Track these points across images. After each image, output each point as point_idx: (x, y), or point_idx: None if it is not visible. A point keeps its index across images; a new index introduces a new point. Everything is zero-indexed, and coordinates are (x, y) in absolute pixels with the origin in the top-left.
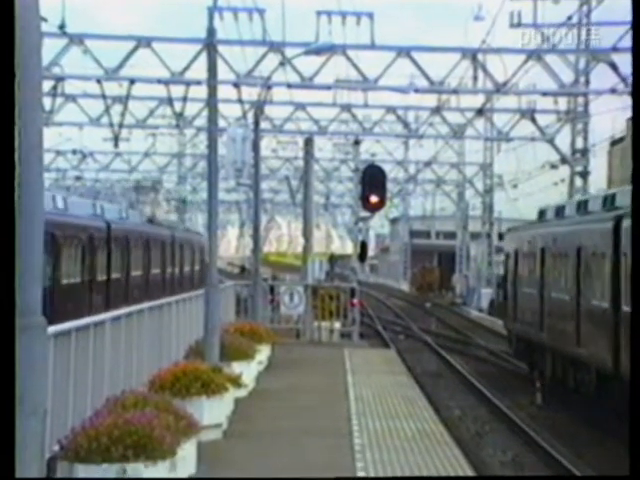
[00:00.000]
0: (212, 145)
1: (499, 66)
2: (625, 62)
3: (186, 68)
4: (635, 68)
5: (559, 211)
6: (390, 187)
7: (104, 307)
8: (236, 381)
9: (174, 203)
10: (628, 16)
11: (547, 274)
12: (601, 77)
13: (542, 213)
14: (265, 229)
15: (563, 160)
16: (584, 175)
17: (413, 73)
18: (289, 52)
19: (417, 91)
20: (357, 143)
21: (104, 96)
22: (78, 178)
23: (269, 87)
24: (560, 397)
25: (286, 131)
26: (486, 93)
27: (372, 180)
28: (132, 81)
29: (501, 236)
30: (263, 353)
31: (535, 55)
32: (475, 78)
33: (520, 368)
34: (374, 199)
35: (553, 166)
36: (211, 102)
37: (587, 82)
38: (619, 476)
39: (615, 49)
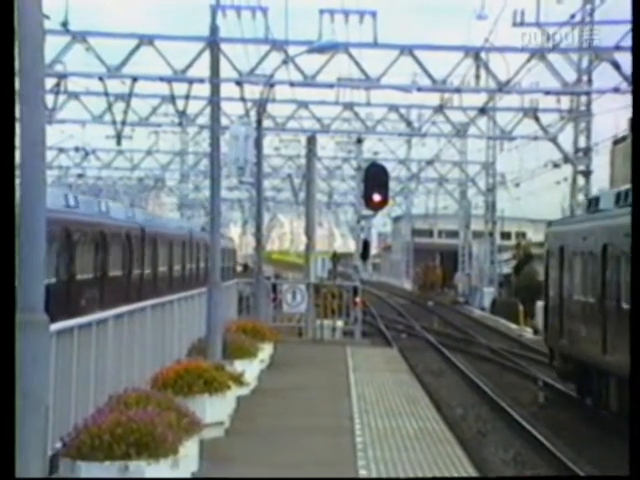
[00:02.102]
0: (214, 143)
1: (502, 65)
2: (628, 61)
3: (189, 66)
4: (635, 69)
5: (621, 197)
6: (392, 186)
7: (190, 287)
8: (238, 379)
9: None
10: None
11: (613, 278)
12: (604, 76)
13: (594, 202)
14: (267, 227)
15: (566, 159)
16: (587, 174)
17: (416, 72)
18: (292, 50)
19: (420, 90)
20: (360, 141)
21: (107, 94)
22: (80, 176)
23: (272, 85)
24: (562, 396)
25: (288, 129)
26: (489, 92)
27: (374, 179)
28: (135, 79)
29: (504, 235)
30: (265, 351)
31: (538, 54)
32: (478, 77)
33: (521, 366)
34: (376, 198)
35: (556, 165)
36: (214, 100)
37: (590, 81)
38: (619, 476)
39: (618, 48)
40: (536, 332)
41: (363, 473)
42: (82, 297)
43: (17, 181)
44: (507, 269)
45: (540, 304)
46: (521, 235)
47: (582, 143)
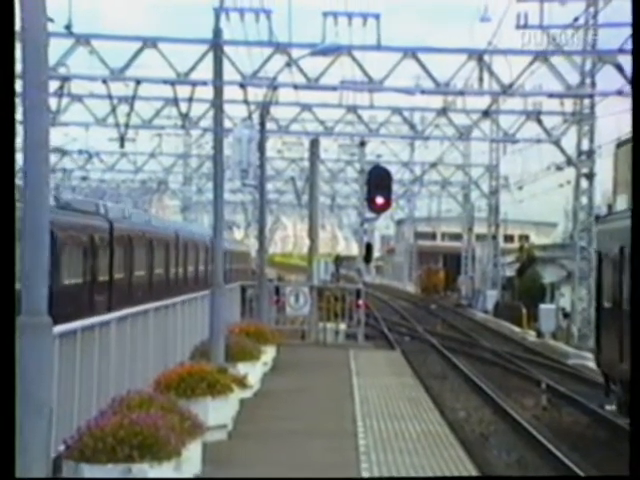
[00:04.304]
0: (218, 146)
1: (505, 67)
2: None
3: (192, 69)
4: (636, 69)
5: None
6: (396, 188)
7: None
8: (241, 382)
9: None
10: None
11: None
12: (607, 79)
13: None
14: (270, 230)
15: (569, 162)
16: (590, 177)
17: (419, 74)
18: (295, 53)
19: (423, 92)
20: (363, 144)
21: (110, 96)
22: (84, 178)
23: (275, 88)
24: (565, 399)
25: (292, 132)
26: (492, 94)
27: (378, 181)
28: (138, 81)
29: (507, 238)
30: (268, 354)
31: (541, 56)
32: (481, 79)
33: (525, 369)
34: (380, 200)
35: (559, 168)
36: (217, 103)
37: (593, 84)
38: (619, 476)
39: (621, 50)
40: (539, 335)
41: (365, 475)
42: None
43: (20, 183)
44: (510, 272)
45: (544, 307)
46: (524, 238)
47: (585, 146)
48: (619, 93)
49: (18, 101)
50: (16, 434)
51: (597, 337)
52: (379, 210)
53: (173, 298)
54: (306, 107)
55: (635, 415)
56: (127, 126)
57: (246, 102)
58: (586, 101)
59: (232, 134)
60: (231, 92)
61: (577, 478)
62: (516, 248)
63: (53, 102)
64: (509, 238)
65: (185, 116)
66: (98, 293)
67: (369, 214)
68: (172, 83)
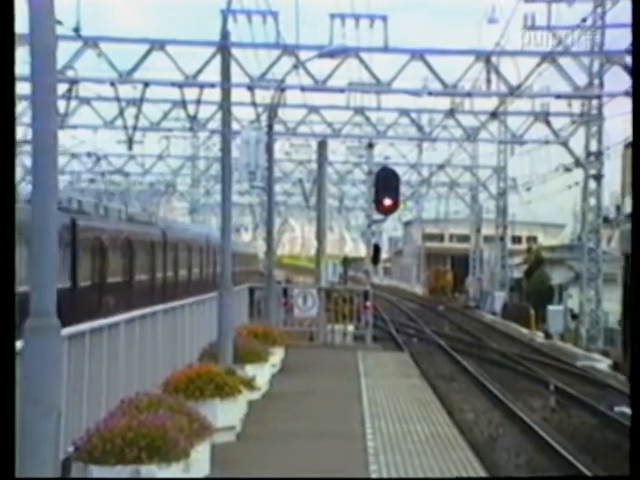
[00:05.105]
0: (226, 148)
1: (513, 69)
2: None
3: (200, 71)
4: (636, 72)
5: None
6: (403, 190)
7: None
8: (250, 384)
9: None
10: None
11: None
12: (615, 79)
13: None
14: (278, 232)
15: (577, 163)
16: (598, 178)
17: (426, 76)
18: (303, 55)
19: (431, 94)
20: (370, 146)
21: (118, 99)
22: (92, 181)
23: (283, 90)
24: (574, 401)
25: (299, 134)
26: (500, 96)
27: (385, 183)
28: (146, 84)
29: (515, 239)
30: (276, 356)
31: (549, 57)
32: (489, 81)
33: (533, 371)
34: (387, 202)
35: (567, 169)
36: (225, 105)
37: (601, 84)
38: (619, 476)
39: (629, 51)
40: (547, 336)
41: (374, 477)
42: None
43: (29, 186)
44: (518, 273)
45: (552, 308)
46: (532, 239)
47: (593, 147)
48: (627, 94)
49: (26, 104)
50: (25, 436)
51: (624, 344)
52: (387, 212)
53: (205, 294)
54: (314, 109)
55: (635, 415)
56: (135, 128)
57: (254, 104)
58: (594, 102)
59: (240, 136)
60: (239, 94)
61: (577, 478)
62: (524, 249)
63: (61, 105)
64: (517, 239)
65: (193, 118)
66: (157, 287)
67: (377, 216)
68: (180, 85)
